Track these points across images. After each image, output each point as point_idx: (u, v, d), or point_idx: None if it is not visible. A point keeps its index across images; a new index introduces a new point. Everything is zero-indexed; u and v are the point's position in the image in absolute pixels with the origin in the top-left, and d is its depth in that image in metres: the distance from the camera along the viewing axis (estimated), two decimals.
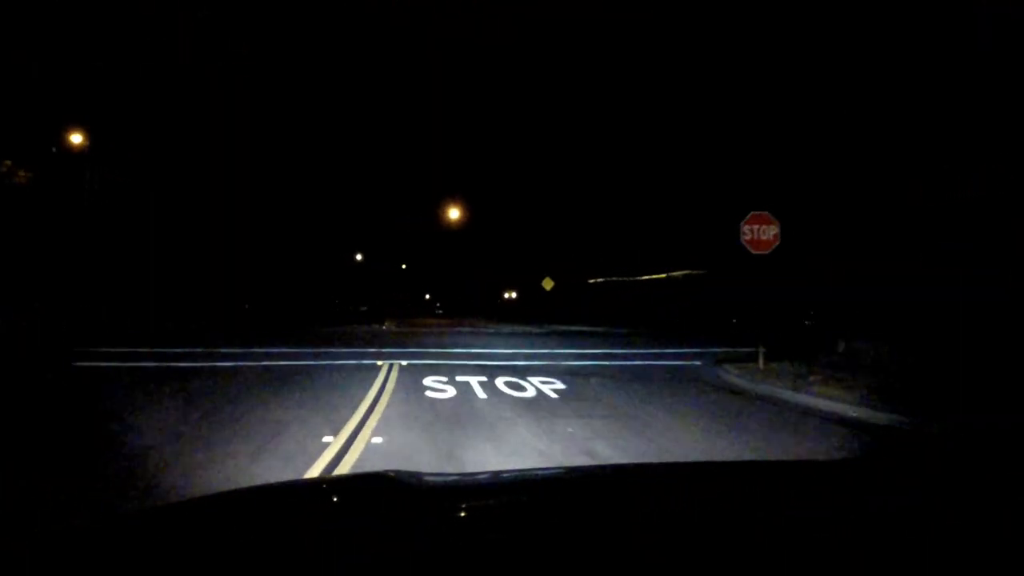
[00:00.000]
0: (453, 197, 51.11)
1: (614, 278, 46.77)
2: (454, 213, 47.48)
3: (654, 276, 44.19)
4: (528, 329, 30.40)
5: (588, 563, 0.98)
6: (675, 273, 41.82)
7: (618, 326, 32.16)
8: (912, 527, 1.14)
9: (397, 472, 1.50)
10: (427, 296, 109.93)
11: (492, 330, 29.22)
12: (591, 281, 50.75)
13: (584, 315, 41.70)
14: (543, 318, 40.01)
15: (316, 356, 14.89)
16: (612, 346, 19.65)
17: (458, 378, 11.16)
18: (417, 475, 1.52)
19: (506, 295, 78.45)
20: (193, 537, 1.12)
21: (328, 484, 1.98)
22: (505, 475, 2.13)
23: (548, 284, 34.18)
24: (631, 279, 46.43)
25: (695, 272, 40.27)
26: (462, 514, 1.29)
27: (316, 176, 64.14)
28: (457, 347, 18.52)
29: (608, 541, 1.07)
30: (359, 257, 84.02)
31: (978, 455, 5.56)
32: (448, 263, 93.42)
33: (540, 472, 2.87)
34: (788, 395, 9.74)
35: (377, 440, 6.30)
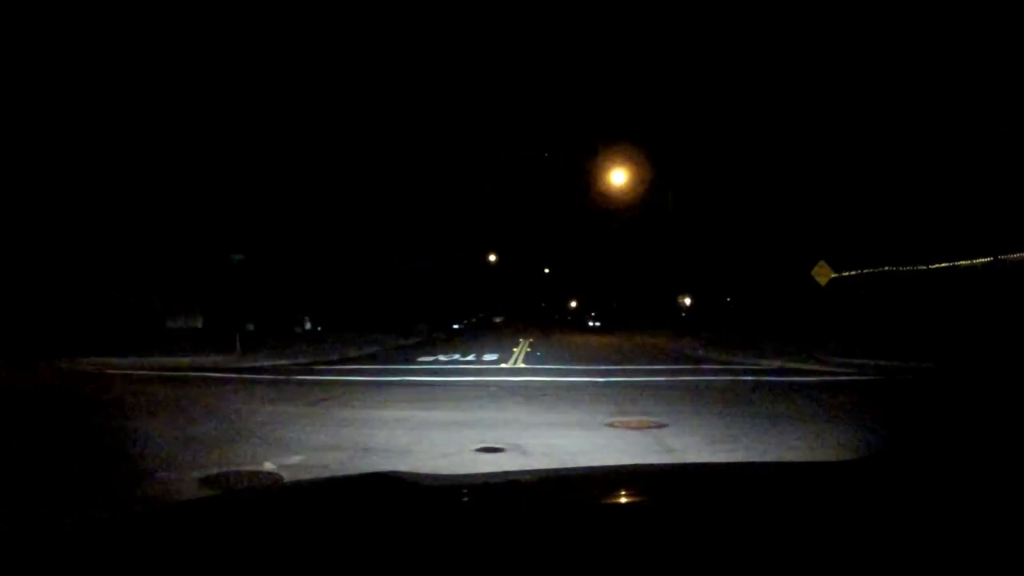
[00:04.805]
0: (614, 170, 38.40)
1: (884, 268, 30.40)
2: (618, 177, 34.08)
3: (959, 263, 27.62)
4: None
5: (585, 564, 0.94)
6: (1013, 256, 25.13)
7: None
8: (916, 529, 1.08)
9: (398, 473, 1.45)
10: (572, 304, 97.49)
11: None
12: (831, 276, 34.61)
13: (841, 331, 25.95)
14: (791, 337, 24.60)
15: None
16: None
17: None
18: (417, 476, 1.49)
19: (678, 300, 63.83)
20: (194, 539, 1.09)
21: (329, 485, 1.80)
22: (506, 476, 2.02)
23: (824, 275, 19.36)
24: (908, 269, 30.01)
25: None
26: (461, 515, 1.24)
27: (443, 168, 55.14)
28: None
29: (607, 542, 1.02)
30: (492, 258, 72.88)
31: (981, 458, 3.65)
32: (601, 265, 79.93)
33: (541, 473, 2.52)
34: None
35: None
